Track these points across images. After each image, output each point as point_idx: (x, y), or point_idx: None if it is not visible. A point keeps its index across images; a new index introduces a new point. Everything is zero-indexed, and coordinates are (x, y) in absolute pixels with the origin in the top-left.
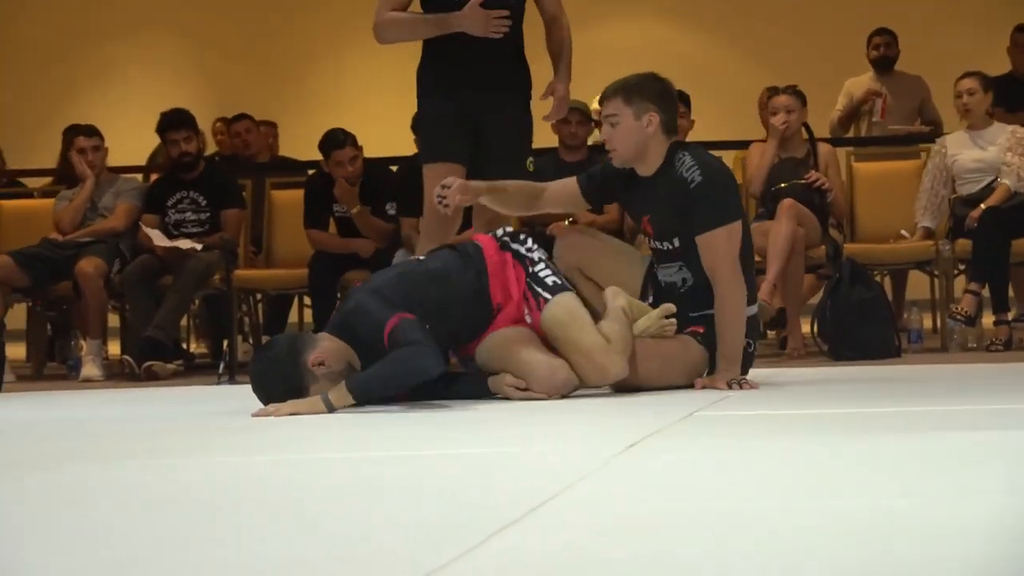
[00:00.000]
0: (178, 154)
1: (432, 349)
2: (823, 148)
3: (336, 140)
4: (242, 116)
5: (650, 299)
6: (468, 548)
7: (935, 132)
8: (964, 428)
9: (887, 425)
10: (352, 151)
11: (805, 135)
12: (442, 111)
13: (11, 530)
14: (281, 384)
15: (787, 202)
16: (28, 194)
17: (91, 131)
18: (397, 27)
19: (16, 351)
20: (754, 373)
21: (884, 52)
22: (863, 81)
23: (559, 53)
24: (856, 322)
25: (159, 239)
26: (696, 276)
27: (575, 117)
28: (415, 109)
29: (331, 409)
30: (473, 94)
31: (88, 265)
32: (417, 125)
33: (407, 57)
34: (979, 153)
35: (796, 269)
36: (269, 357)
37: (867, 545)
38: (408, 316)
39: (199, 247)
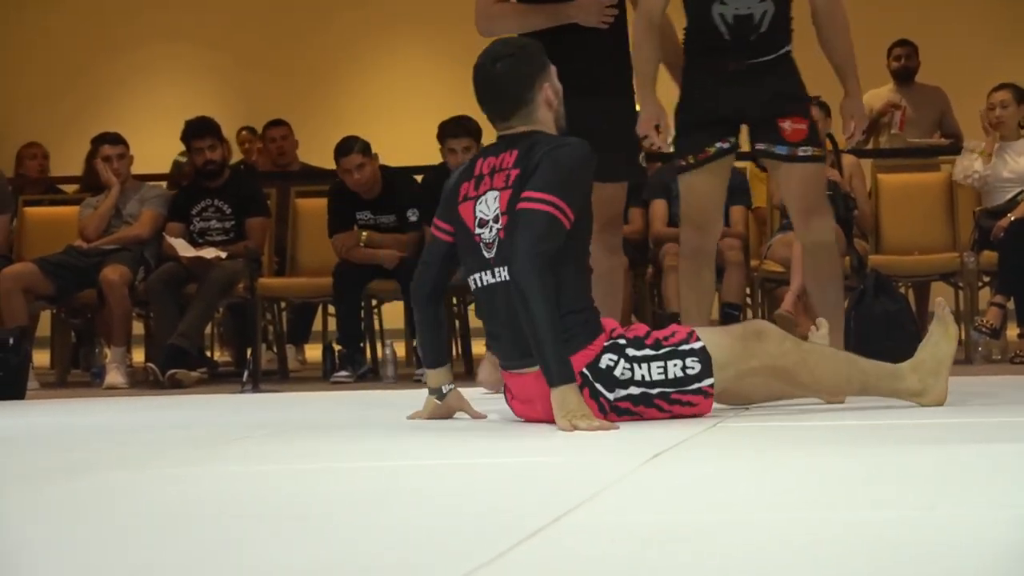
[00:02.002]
0: (203, 162)
1: None
2: (848, 159)
3: (344, 147)
4: (279, 122)
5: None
6: (493, 557)
7: (955, 145)
8: (990, 440)
9: (910, 437)
10: (359, 158)
11: (830, 146)
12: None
13: (32, 538)
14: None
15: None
16: (70, 200)
17: (116, 139)
18: (505, 18)
19: (41, 358)
20: None
21: (904, 63)
22: (883, 93)
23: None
24: (881, 334)
25: (183, 248)
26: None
27: None
28: (439, 118)
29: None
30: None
31: (113, 273)
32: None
33: (433, 66)
34: (1010, 165)
35: None
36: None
37: (892, 557)
38: None
39: (224, 256)
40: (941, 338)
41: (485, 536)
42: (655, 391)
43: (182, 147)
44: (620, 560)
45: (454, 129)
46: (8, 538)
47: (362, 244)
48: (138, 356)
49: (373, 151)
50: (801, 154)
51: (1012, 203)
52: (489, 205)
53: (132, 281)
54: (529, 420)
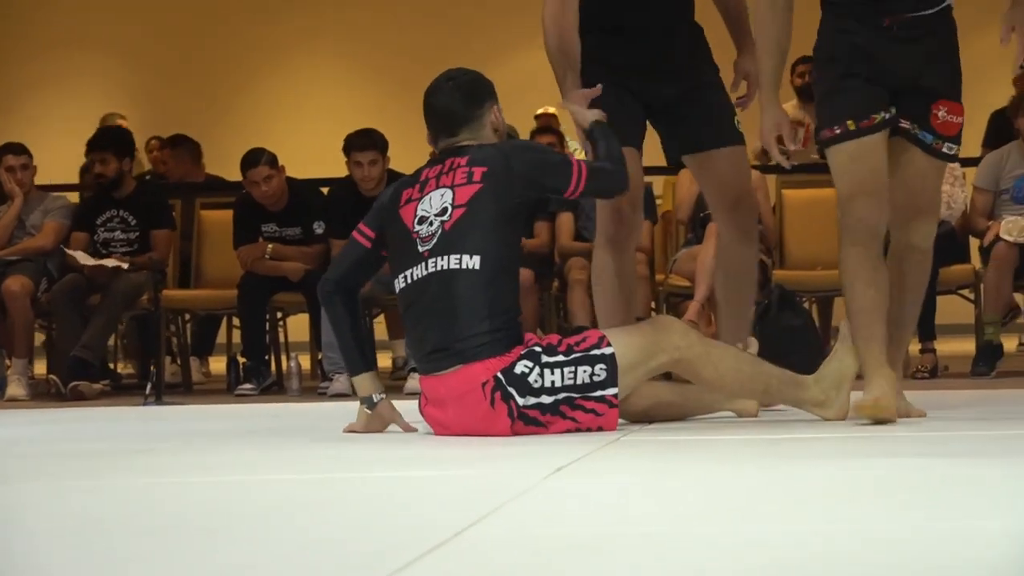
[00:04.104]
0: (95, 174)
1: None
2: (752, 174)
3: (251, 159)
4: (183, 138)
5: None
6: (393, 571)
7: None
8: (882, 455)
9: (811, 451)
10: (267, 170)
11: None
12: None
13: None
14: None
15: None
16: None
17: (20, 149)
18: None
19: None
20: None
21: (807, 80)
22: (786, 109)
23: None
24: (784, 348)
25: (84, 258)
26: None
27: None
28: (346, 131)
29: None
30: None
31: (14, 284)
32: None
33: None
34: None
35: None
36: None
37: (781, 572)
38: None
39: (126, 265)
40: (846, 354)
41: (387, 549)
42: (562, 396)
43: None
44: (524, 571)
45: (360, 141)
46: None
47: (267, 256)
48: (40, 368)
49: (280, 163)
50: (946, 151)
51: None
52: (434, 202)
53: (34, 292)
54: (441, 431)
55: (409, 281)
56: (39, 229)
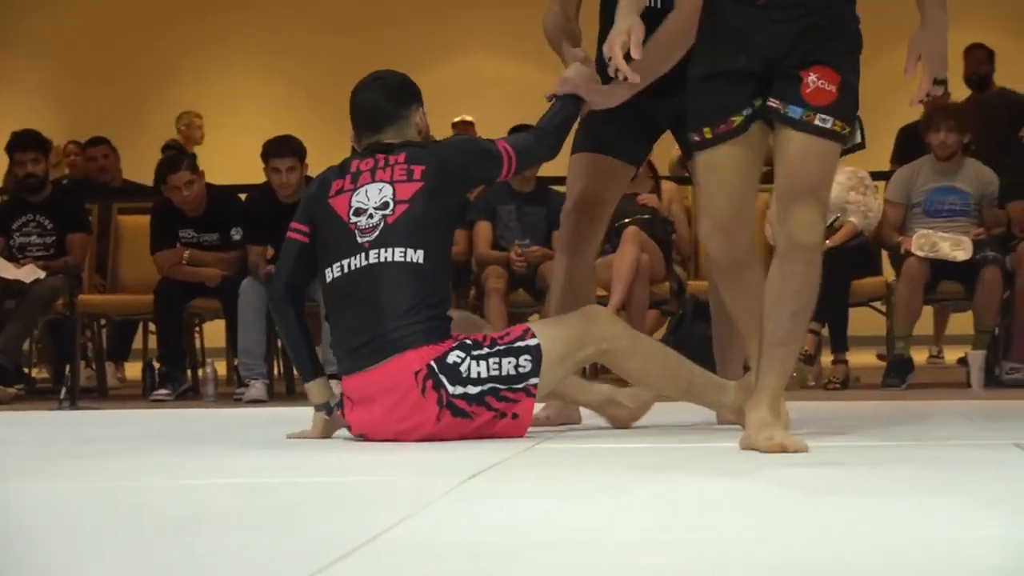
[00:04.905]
0: (24, 175)
1: None
2: (667, 185)
3: (172, 163)
4: (99, 140)
5: None
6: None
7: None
8: (790, 464)
9: (713, 466)
10: (188, 175)
11: (650, 172)
12: None
13: None
14: None
15: (631, 229)
16: None
17: None
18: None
19: None
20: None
21: None
22: None
23: None
24: (699, 358)
25: (2, 268)
26: None
27: None
28: (264, 137)
29: None
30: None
31: None
32: None
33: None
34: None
35: (640, 295)
36: None
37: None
38: None
39: (43, 275)
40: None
41: (296, 556)
42: (487, 387)
43: (3, 159)
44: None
45: (279, 148)
46: None
47: (184, 262)
48: None
49: (200, 168)
50: (819, 123)
51: (828, 230)
52: (371, 196)
53: None
54: (365, 434)
55: (346, 270)
56: None
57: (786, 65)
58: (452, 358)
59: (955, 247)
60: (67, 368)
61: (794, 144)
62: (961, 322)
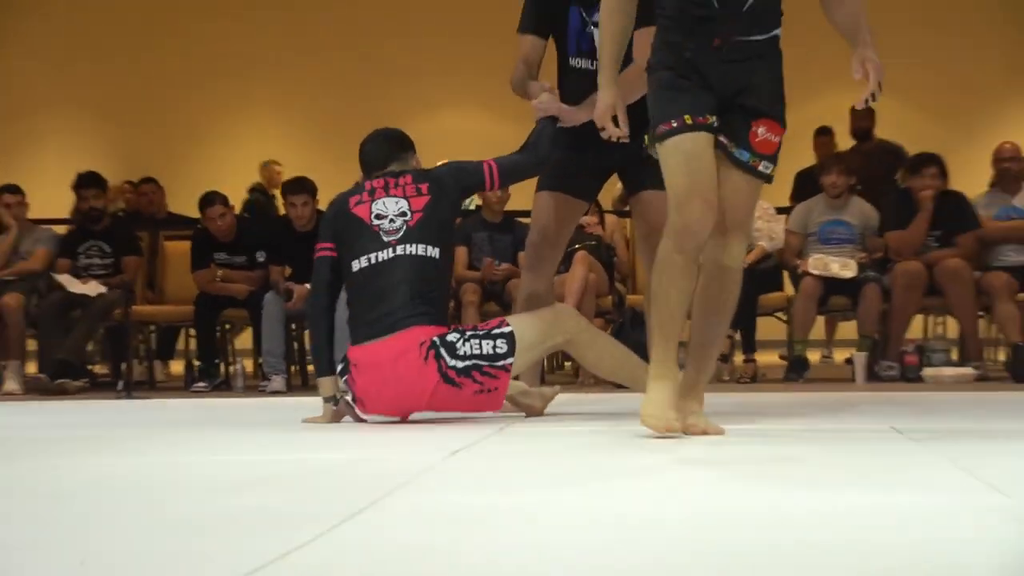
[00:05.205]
0: (87, 208)
1: None
2: (610, 219)
3: (208, 200)
4: (148, 179)
5: None
6: (302, 543)
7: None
8: (708, 444)
9: (646, 445)
10: (221, 209)
11: (596, 207)
12: None
13: None
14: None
15: (581, 253)
16: None
17: (15, 189)
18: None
19: None
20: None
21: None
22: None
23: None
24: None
25: (70, 284)
26: None
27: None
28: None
29: None
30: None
31: (11, 299)
32: None
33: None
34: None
35: (589, 306)
36: None
37: (633, 535)
38: None
39: (104, 290)
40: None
41: (298, 525)
42: (471, 363)
43: (70, 195)
44: (422, 543)
45: (294, 187)
46: None
47: (218, 279)
48: (31, 368)
49: (230, 203)
50: (762, 170)
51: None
52: (389, 206)
53: (27, 306)
54: (365, 398)
55: (373, 262)
56: (31, 254)
57: (738, 107)
58: (451, 337)
59: (843, 268)
60: (123, 365)
61: (737, 180)
62: (847, 329)
